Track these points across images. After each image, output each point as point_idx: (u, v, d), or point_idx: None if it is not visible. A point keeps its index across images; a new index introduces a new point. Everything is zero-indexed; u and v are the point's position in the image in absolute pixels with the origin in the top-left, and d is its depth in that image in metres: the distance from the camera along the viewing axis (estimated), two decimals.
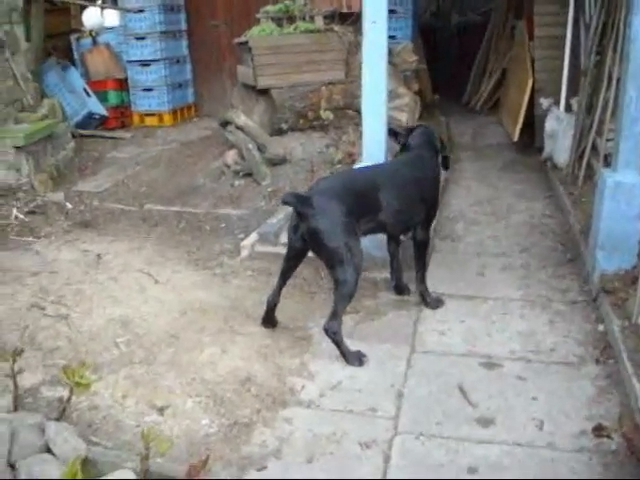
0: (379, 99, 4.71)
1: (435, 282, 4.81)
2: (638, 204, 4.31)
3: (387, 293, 4.74)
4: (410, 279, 4.72)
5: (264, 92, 6.92)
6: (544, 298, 4.66)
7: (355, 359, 3.91)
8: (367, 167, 4.65)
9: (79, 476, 2.49)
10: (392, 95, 6.61)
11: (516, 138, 8.23)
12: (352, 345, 4.02)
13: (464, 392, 3.65)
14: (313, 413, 3.51)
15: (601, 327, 4.25)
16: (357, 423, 3.43)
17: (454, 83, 11.38)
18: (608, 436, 3.20)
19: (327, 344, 4.02)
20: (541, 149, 7.69)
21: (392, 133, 4.84)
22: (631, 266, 4.52)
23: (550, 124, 7.41)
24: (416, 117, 7.39)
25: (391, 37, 8.11)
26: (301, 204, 3.85)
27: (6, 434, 2.81)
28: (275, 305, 4.23)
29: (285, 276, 4.21)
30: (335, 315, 3.88)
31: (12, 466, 2.78)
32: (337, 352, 3.95)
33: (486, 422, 3.43)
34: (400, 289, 4.73)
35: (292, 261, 4.16)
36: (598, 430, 3.23)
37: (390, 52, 7.02)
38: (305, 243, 3.96)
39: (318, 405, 3.57)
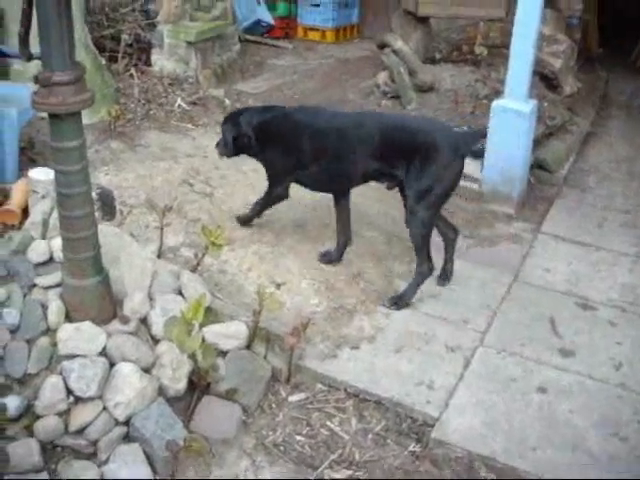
0: (529, 38, 4.84)
1: (553, 224, 5.01)
2: None
3: (504, 226, 4.97)
4: None
5: (423, 20, 7.07)
6: None
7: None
8: None
9: (200, 310, 2.96)
10: (549, 40, 6.63)
11: None
12: (460, 266, 4.35)
13: (553, 323, 3.90)
14: (410, 313, 3.88)
15: None
16: (448, 329, 3.77)
17: (624, 39, 10.97)
18: None
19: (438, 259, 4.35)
20: None
21: None
22: None
23: None
24: (571, 65, 7.34)
25: None
26: None
27: (150, 271, 3.35)
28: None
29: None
30: None
31: (150, 298, 3.33)
32: None
33: (567, 353, 3.68)
34: None
35: None
36: None
37: None
38: None
39: (416, 307, 3.93)
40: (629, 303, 4.18)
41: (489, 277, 4.30)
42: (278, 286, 3.93)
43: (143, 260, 3.35)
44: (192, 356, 3.06)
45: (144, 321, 3.24)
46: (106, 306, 3.12)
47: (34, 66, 3.20)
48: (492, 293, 4.15)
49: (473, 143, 4.34)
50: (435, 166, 3.77)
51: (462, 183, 5.22)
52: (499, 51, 7.01)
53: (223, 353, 3.30)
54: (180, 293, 3.45)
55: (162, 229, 3.63)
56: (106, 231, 3.31)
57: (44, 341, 3.04)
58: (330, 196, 4.29)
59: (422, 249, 3.90)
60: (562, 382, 3.45)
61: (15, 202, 3.87)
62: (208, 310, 3.36)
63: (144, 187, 4.94)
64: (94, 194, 3.93)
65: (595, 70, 9.54)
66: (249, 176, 5.29)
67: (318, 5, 9.87)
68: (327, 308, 3.82)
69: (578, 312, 4.07)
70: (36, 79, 2.71)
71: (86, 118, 6.09)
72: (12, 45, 5.43)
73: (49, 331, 3.08)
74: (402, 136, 3.90)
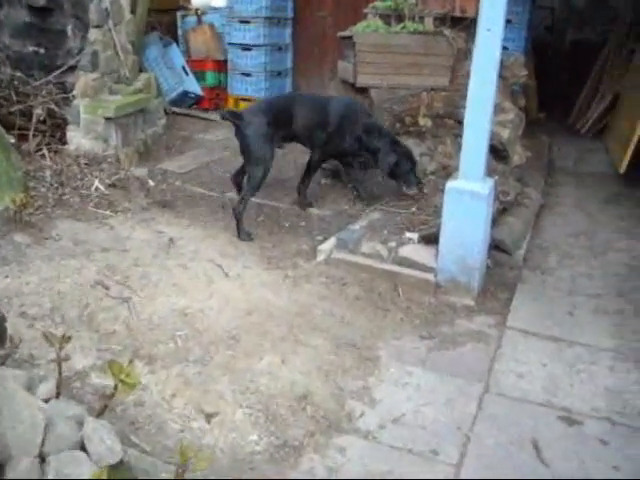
0: (484, 113, 4.37)
1: (519, 315, 4.47)
2: None
3: (466, 322, 4.40)
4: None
5: (362, 91, 6.60)
6: (638, 352, 4.22)
7: (245, 236, 5.28)
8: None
9: None
10: (496, 109, 6.22)
11: (623, 170, 7.68)
12: (422, 374, 3.76)
13: (538, 448, 3.29)
14: (369, 446, 3.22)
15: None
16: (415, 465, 3.13)
17: (562, 103, 10.83)
18: None
19: (395, 369, 3.77)
20: None
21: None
22: None
23: None
24: (519, 134, 6.96)
25: (503, 48, 7.70)
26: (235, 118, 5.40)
27: (42, 424, 2.63)
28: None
29: (236, 179, 5.81)
30: (243, 201, 5.33)
31: (43, 458, 2.60)
32: (405, 380, 3.70)
33: None
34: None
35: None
36: None
37: (500, 64, 6.62)
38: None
39: (376, 437, 3.28)
40: (617, 413, 3.61)
41: (456, 389, 3.69)
42: (208, 418, 3.22)
43: (33, 411, 2.63)
44: None
45: None
46: None
47: None
48: (462, 410, 3.53)
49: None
50: None
51: (415, 273, 4.74)
52: (443, 121, 6.58)
53: None
54: (83, 447, 2.73)
55: (60, 364, 2.91)
56: None
57: None
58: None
59: None
60: None
61: None
62: (120, 466, 2.68)
63: (49, 293, 4.23)
64: None
65: (537, 136, 9.26)
66: (174, 273, 4.62)
67: (249, 75, 9.39)
68: (269, 446, 3.13)
69: (562, 429, 3.47)
70: None
71: None
72: None
73: None
74: None
